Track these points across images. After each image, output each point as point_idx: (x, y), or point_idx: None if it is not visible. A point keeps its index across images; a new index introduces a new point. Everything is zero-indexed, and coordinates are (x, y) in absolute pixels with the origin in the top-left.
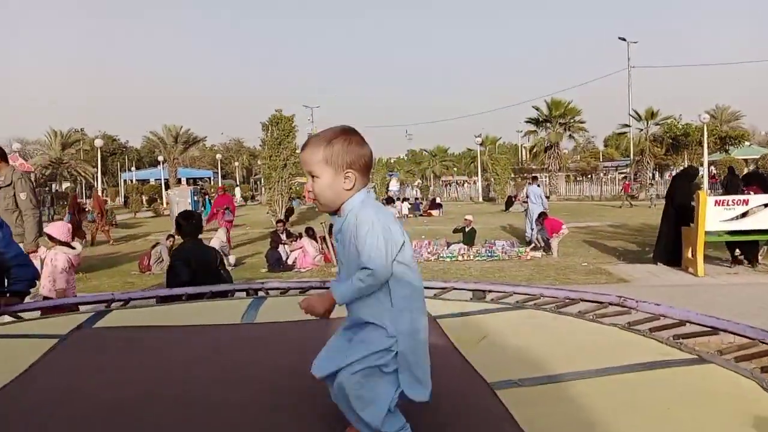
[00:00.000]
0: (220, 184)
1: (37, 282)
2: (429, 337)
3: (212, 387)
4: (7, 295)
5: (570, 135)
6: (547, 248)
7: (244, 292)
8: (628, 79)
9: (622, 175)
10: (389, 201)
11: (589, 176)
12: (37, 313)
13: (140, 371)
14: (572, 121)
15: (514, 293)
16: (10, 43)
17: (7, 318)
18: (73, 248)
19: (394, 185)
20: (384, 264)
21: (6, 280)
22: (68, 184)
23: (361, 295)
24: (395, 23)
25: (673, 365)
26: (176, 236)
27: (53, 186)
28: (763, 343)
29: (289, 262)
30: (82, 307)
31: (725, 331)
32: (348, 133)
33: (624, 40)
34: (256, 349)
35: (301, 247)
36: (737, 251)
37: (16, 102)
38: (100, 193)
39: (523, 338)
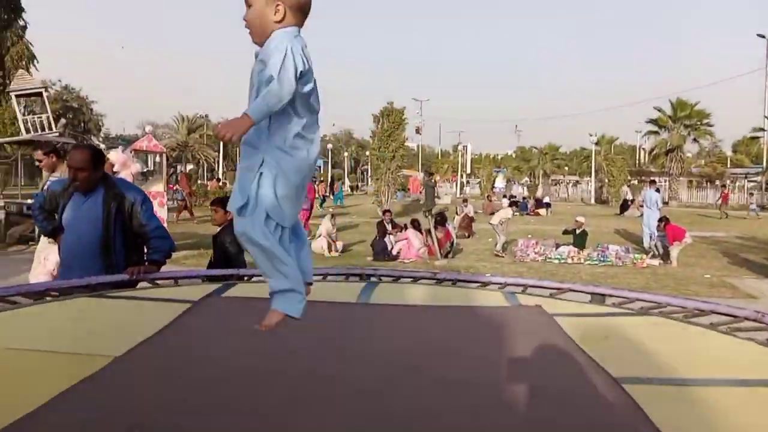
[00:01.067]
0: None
1: (173, 254)
2: (546, 335)
3: (329, 359)
4: (146, 263)
5: (694, 138)
6: (665, 257)
7: (358, 276)
8: (765, 79)
9: (752, 183)
10: (514, 203)
11: (715, 183)
12: (171, 282)
13: (263, 340)
14: (698, 123)
15: (637, 300)
16: (145, 32)
17: (145, 284)
18: None
19: (500, 182)
20: (288, 76)
21: (146, 250)
22: (192, 166)
23: (270, 110)
24: (504, 16)
25: None
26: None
27: (178, 167)
28: None
29: (394, 252)
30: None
31: None
32: None
33: (763, 36)
34: (371, 328)
35: (406, 239)
36: None
37: (149, 87)
38: (219, 177)
39: (649, 343)
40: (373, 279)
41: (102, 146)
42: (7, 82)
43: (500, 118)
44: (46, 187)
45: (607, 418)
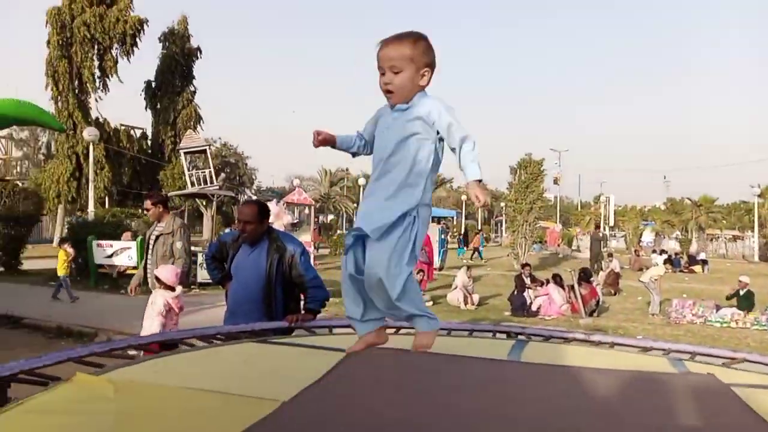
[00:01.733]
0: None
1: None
2: (724, 407)
3: (483, 423)
4: (303, 311)
5: None
6: None
7: (505, 334)
8: None
9: None
10: (669, 261)
11: None
12: (326, 330)
13: (417, 394)
14: None
15: None
16: (285, 89)
17: (302, 332)
18: (173, 291)
19: (647, 236)
20: (466, 128)
21: (303, 299)
22: (332, 217)
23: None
24: (649, 64)
25: None
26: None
27: (320, 218)
28: None
29: (533, 308)
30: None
31: None
32: (427, 39)
33: None
34: (524, 389)
35: (546, 294)
36: None
37: (292, 143)
38: None
39: None
40: (521, 338)
41: (254, 198)
42: (178, 141)
43: (646, 167)
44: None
45: None
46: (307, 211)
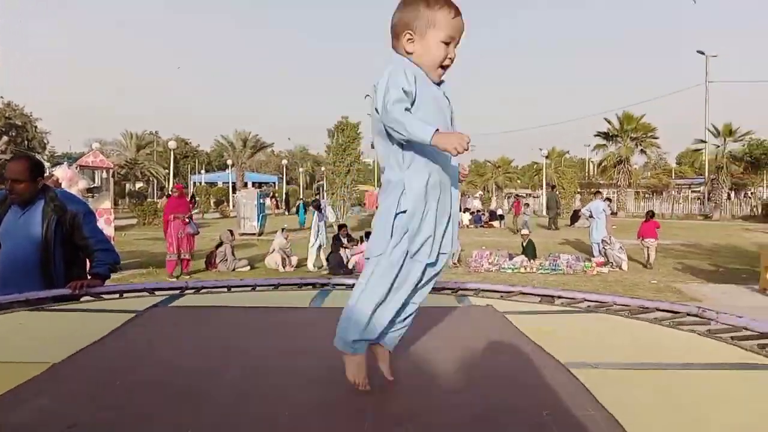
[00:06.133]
0: (176, 183)
1: (121, 271)
2: (496, 329)
3: (278, 358)
4: (89, 277)
5: (642, 150)
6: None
7: (311, 285)
8: (705, 93)
9: (695, 193)
10: (466, 209)
11: (661, 193)
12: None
13: (211, 344)
14: (644, 136)
15: (585, 300)
16: (87, 44)
17: (89, 299)
18: None
19: None
20: None
21: (90, 263)
22: (141, 184)
23: None
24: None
25: (762, 368)
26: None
27: (127, 185)
28: None
29: (350, 265)
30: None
31: None
32: None
33: (702, 53)
34: (320, 328)
35: (362, 252)
36: None
37: (94, 104)
38: (170, 193)
39: (596, 335)
40: (326, 288)
41: (47, 164)
42: None
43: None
44: None
45: (557, 398)
46: (105, 175)
